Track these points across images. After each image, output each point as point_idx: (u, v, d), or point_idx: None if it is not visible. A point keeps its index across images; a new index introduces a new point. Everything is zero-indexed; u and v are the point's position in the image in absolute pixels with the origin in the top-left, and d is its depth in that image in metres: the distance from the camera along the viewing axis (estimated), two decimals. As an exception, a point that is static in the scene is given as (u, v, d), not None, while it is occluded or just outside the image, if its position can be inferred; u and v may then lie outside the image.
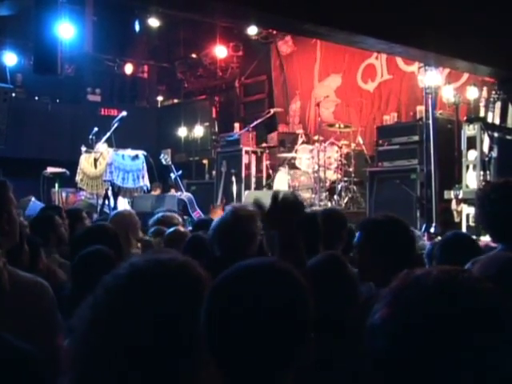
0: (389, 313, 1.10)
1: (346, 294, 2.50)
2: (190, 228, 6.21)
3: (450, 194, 8.87)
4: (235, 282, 1.44)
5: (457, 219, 8.81)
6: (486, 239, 7.86)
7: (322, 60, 13.88)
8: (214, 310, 1.39)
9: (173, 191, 11.62)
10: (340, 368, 2.25)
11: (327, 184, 11.22)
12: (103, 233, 3.55)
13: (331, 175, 11.31)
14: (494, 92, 9.24)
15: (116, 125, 10.39)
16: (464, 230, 8.56)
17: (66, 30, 9.05)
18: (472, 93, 9.75)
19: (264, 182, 12.36)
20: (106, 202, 10.14)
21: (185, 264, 1.49)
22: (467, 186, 8.62)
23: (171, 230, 4.88)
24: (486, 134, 8.60)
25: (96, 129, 10.56)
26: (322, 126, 11.57)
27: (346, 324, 2.41)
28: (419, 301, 1.08)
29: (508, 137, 8.97)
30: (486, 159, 8.50)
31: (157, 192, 12.47)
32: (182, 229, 4.95)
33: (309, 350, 1.44)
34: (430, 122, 9.06)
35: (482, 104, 9.52)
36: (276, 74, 14.98)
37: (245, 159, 12.41)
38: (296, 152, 11.75)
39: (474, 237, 8.18)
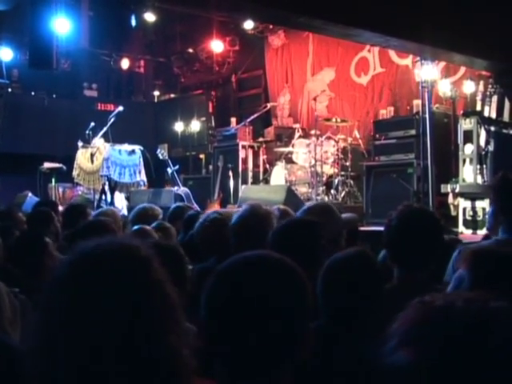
0: (412, 354, 0.96)
1: (368, 292, 2.47)
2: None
3: (446, 188, 8.87)
4: (235, 271, 1.47)
5: (453, 213, 8.82)
6: (482, 233, 7.90)
7: (314, 54, 13.88)
8: (214, 299, 1.42)
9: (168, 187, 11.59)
10: (341, 365, 2.24)
11: (324, 178, 11.21)
12: (102, 228, 3.54)
13: (328, 169, 11.30)
14: (490, 86, 9.24)
15: (112, 120, 10.39)
16: (460, 223, 8.59)
17: (61, 25, 9.05)
18: (468, 87, 9.76)
19: (261, 177, 12.36)
20: (103, 196, 10.16)
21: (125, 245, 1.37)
22: (464, 180, 8.63)
23: (136, 227, 4.76)
24: (482, 128, 8.60)
25: (93, 124, 10.56)
26: (319, 120, 11.55)
27: (359, 320, 2.39)
28: (448, 339, 0.94)
29: (504, 130, 8.97)
30: (483, 153, 8.51)
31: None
32: (146, 227, 4.80)
33: (309, 338, 1.46)
34: (427, 116, 9.05)
35: (478, 98, 9.53)
36: (270, 68, 14.99)
37: (241, 154, 12.41)
38: (293, 146, 11.74)
39: (471, 231, 8.29)
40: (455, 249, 3.45)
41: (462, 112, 9.23)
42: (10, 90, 14.35)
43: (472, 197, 8.36)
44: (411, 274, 2.82)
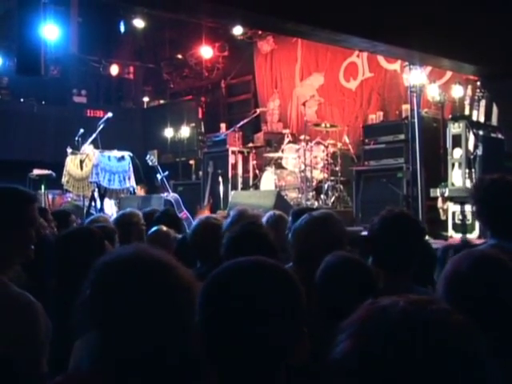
0: (350, 346, 1.03)
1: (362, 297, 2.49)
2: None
3: (435, 192, 8.90)
4: (229, 277, 1.47)
5: (443, 217, 8.84)
6: (472, 236, 7.92)
7: (303, 59, 13.93)
8: (209, 304, 1.42)
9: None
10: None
11: (314, 183, 11.22)
12: (88, 235, 3.49)
13: (318, 174, 11.31)
14: (478, 90, 9.28)
15: (102, 126, 10.37)
16: (450, 227, 8.61)
17: (50, 32, 9.04)
18: (457, 91, 9.80)
19: (251, 182, 12.35)
20: (93, 203, 10.13)
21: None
22: (453, 184, 8.65)
23: (153, 229, 4.69)
24: (471, 132, 8.63)
25: (82, 130, 10.53)
26: (308, 125, 11.56)
27: None
28: (382, 334, 1.01)
29: (493, 135, 9.00)
30: (472, 157, 8.53)
31: (141, 192, 12.49)
32: (164, 228, 4.76)
33: (304, 344, 1.45)
34: (416, 120, 9.08)
35: (466, 102, 9.56)
36: (259, 74, 15.01)
37: (231, 159, 12.40)
38: (282, 152, 11.75)
39: (460, 234, 8.31)
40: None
41: (450, 116, 9.26)
42: (-1, 96, 14.34)
43: (461, 201, 8.38)
44: (395, 277, 2.82)
